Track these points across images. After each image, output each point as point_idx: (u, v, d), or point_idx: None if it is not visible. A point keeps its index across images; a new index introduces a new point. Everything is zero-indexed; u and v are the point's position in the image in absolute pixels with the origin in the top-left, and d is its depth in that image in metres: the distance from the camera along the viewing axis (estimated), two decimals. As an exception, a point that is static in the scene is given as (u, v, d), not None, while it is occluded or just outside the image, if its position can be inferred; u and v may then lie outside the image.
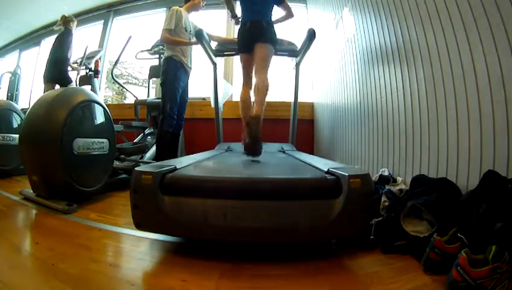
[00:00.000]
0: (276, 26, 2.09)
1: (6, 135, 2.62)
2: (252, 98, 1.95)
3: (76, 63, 3.16)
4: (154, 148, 2.51)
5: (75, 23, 3.24)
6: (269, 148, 1.80)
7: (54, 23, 3.25)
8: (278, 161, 1.74)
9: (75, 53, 3.19)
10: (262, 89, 1.84)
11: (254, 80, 1.95)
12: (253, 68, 1.98)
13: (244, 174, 1.21)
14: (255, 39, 1.94)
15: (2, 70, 4.41)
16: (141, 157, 2.45)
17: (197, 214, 0.96)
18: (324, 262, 0.97)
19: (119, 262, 1.01)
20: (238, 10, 2.15)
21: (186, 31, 2.37)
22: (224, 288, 0.81)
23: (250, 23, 1.96)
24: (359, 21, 2.00)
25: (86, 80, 3.18)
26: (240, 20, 2.10)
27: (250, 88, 2.05)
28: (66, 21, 3.15)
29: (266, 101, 1.84)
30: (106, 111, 1.89)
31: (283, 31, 2.24)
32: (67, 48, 3.06)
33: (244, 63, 2.06)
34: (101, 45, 4.09)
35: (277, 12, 2.14)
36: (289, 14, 2.19)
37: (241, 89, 2.10)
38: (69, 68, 3.13)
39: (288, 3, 2.18)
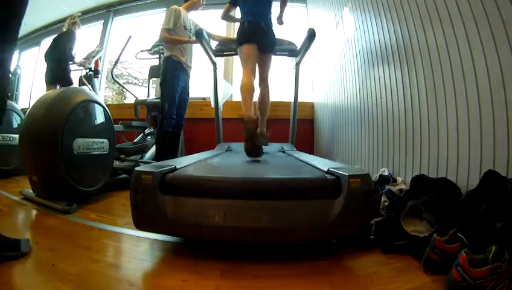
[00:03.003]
0: (279, 23, 2.16)
1: (6, 135, 2.61)
2: (255, 85, 1.94)
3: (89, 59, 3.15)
4: (154, 148, 2.51)
5: (80, 27, 3.25)
6: (269, 148, 1.81)
7: (54, 23, 3.24)
8: (278, 160, 1.74)
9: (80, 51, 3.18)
10: (268, 100, 1.96)
11: (258, 90, 2.00)
12: (257, 71, 2.01)
13: (244, 174, 1.21)
14: (256, 37, 1.93)
15: (2, 70, 4.40)
16: (141, 157, 2.45)
17: (197, 214, 0.96)
18: (324, 262, 0.97)
19: (119, 262, 1.01)
20: (238, 13, 2.14)
21: (186, 29, 2.37)
22: (224, 288, 0.81)
23: (248, 23, 1.96)
24: (359, 21, 2.00)
25: (86, 80, 3.18)
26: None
27: (254, 76, 1.95)
28: (74, 22, 3.15)
29: None
30: (106, 111, 1.88)
31: (283, 31, 2.24)
32: (69, 48, 3.05)
33: (246, 54, 1.93)
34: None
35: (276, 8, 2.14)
36: (284, 1, 2.15)
37: (243, 77, 1.89)
38: (71, 68, 3.13)
39: (288, 3, 2.17)
